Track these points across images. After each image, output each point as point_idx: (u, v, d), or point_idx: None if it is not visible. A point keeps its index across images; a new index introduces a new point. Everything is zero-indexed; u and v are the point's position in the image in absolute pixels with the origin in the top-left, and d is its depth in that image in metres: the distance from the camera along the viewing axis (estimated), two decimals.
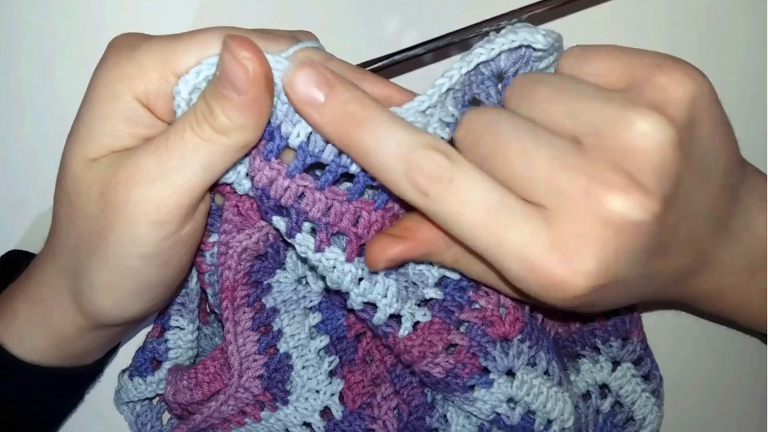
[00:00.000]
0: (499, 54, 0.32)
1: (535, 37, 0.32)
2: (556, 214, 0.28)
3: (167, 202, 0.31)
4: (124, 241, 0.31)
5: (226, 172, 0.33)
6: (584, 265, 0.28)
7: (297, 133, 0.32)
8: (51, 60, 0.43)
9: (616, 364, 0.42)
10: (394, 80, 0.43)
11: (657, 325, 0.43)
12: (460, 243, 0.30)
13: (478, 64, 0.32)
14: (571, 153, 0.28)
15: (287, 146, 0.32)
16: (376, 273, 0.35)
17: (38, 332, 0.36)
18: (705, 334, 0.49)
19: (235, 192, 0.35)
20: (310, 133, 0.32)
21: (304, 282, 0.39)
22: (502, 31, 0.33)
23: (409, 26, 0.44)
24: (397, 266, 0.33)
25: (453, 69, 0.32)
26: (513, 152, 0.29)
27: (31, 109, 0.43)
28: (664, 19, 0.46)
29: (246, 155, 0.33)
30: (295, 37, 0.33)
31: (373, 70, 0.38)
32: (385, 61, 0.37)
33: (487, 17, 0.38)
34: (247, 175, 0.34)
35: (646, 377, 0.43)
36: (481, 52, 0.32)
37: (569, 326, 0.41)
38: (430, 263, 0.36)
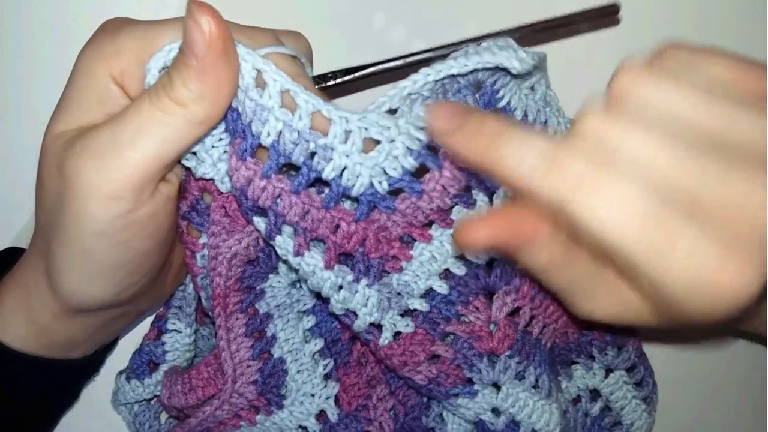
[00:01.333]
0: (473, 71, 0.32)
1: (512, 62, 0.32)
2: (726, 222, 0.25)
3: (117, 175, 0.30)
4: (77, 217, 0.31)
5: (189, 151, 0.33)
6: (759, 266, 0.25)
7: (267, 132, 0.31)
8: (51, 60, 0.42)
9: (609, 371, 0.42)
10: (383, 87, 0.43)
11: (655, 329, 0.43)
12: (583, 248, 0.28)
13: (449, 75, 0.32)
14: (740, 160, 0.25)
15: (261, 145, 0.32)
16: (357, 282, 0.35)
17: (20, 319, 0.36)
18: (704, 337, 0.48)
19: (221, 192, 0.35)
20: (280, 132, 0.31)
21: (298, 285, 0.39)
22: (483, 45, 0.32)
23: (403, 27, 0.44)
24: (485, 252, 0.31)
25: (419, 74, 0.32)
26: (678, 161, 0.26)
27: (31, 109, 0.43)
28: (663, 21, 0.45)
29: (207, 136, 0.33)
30: (277, 38, 0.33)
31: (365, 75, 0.37)
32: (377, 68, 0.36)
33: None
34: (228, 173, 0.34)
35: (638, 384, 0.43)
36: (452, 65, 0.32)
37: (567, 337, 0.40)
38: (417, 278, 0.36)
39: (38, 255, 0.35)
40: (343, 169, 0.32)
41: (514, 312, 0.37)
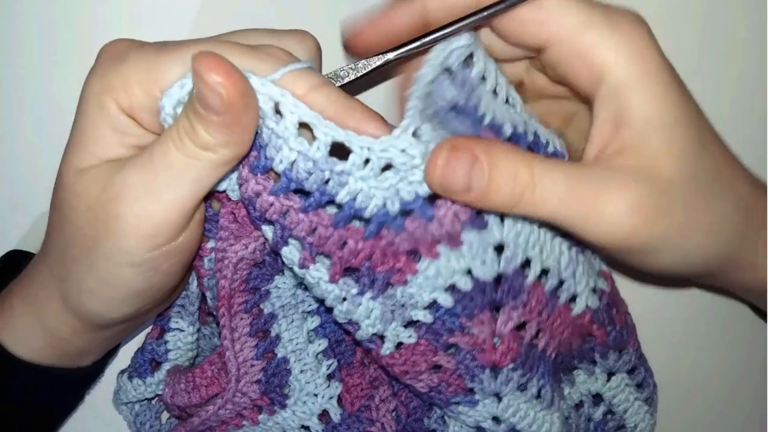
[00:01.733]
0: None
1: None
2: None
3: (157, 216, 0.31)
4: (114, 252, 0.31)
5: (219, 182, 0.33)
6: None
7: (280, 159, 0.31)
8: (51, 61, 0.43)
9: (610, 374, 0.42)
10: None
11: (657, 326, 0.43)
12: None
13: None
14: None
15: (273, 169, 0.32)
16: (361, 295, 0.34)
17: (33, 331, 0.36)
18: (706, 334, 0.48)
19: (231, 199, 0.35)
20: (294, 161, 0.31)
21: (303, 287, 0.39)
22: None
23: None
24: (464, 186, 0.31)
25: (412, 108, 0.32)
26: None
27: (31, 110, 0.43)
28: (662, 19, 0.45)
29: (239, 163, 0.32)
30: (287, 54, 0.32)
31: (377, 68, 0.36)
32: (381, 60, 0.35)
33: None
34: (237, 181, 0.33)
35: (639, 385, 0.43)
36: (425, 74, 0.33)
37: (570, 345, 0.40)
38: (422, 291, 0.35)
39: (51, 276, 0.35)
40: (357, 193, 0.32)
41: (521, 326, 0.37)
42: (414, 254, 0.35)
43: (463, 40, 0.33)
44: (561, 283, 0.37)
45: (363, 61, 0.35)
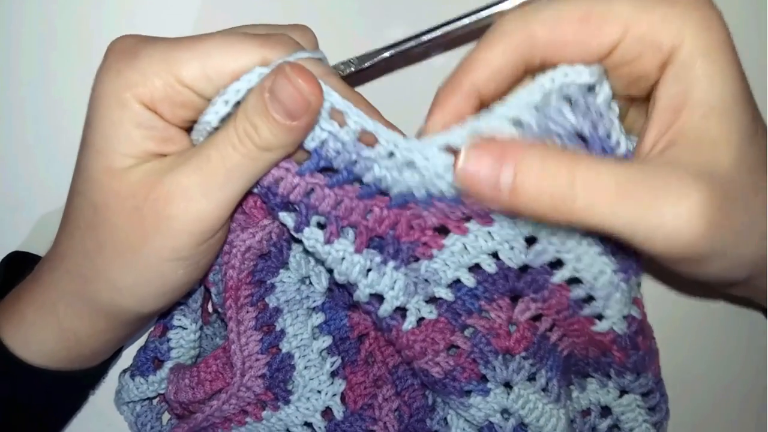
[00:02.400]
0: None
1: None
2: None
3: (210, 214, 0.32)
4: (162, 250, 0.32)
5: None
6: None
7: (311, 137, 0.32)
8: (51, 61, 0.43)
9: (623, 392, 0.42)
10: (394, 74, 0.43)
11: (663, 324, 0.43)
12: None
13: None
14: None
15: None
16: (385, 264, 0.35)
17: (47, 335, 0.36)
18: (709, 334, 0.49)
19: None
20: (324, 140, 0.32)
21: (307, 282, 0.39)
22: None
23: (405, 22, 0.44)
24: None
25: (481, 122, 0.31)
26: None
27: (31, 110, 0.43)
28: None
29: None
30: (296, 43, 0.33)
31: (375, 63, 0.37)
32: (385, 54, 0.36)
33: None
34: None
35: (651, 409, 0.42)
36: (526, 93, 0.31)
37: (587, 351, 0.40)
38: (447, 267, 0.36)
39: (70, 279, 0.35)
40: (382, 178, 0.33)
41: (536, 318, 0.37)
42: (441, 230, 0.36)
43: (584, 77, 0.30)
44: (591, 298, 0.36)
45: (362, 56, 0.37)
